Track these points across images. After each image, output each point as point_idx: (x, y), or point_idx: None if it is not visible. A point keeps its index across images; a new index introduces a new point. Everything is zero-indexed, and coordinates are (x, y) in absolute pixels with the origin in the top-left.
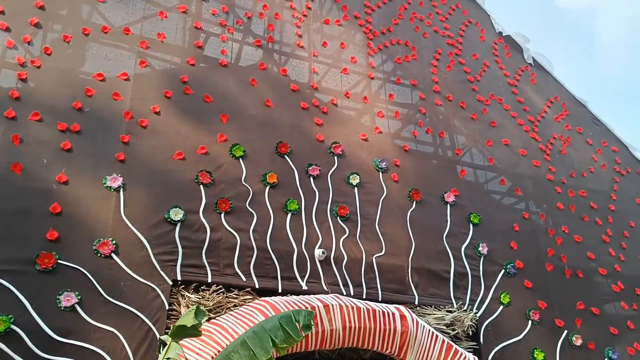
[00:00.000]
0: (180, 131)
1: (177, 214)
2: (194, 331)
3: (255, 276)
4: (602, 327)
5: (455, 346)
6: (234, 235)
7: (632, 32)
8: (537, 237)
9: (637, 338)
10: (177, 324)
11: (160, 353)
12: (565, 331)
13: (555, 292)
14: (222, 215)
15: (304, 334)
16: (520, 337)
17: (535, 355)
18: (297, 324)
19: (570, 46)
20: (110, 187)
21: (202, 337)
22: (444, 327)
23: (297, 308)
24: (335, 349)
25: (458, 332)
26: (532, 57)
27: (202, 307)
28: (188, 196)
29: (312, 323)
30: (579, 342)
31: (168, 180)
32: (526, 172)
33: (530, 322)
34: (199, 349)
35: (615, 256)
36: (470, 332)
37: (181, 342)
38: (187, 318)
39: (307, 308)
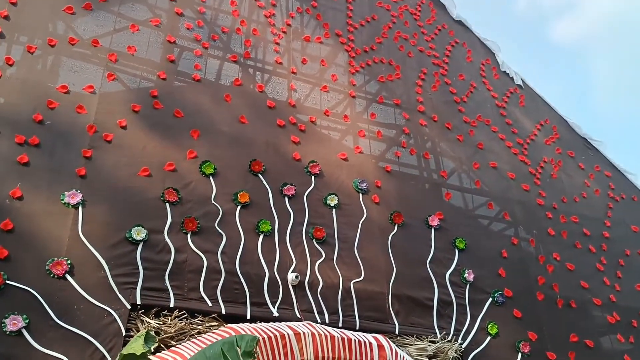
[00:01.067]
0: (147, 146)
1: (139, 233)
2: (144, 358)
3: (222, 301)
4: None
5: None
6: (200, 257)
7: (625, 67)
8: (527, 264)
9: None
10: (124, 351)
11: None
12: None
13: (547, 322)
14: (189, 235)
15: None
16: None
17: None
18: (238, 350)
19: (564, 83)
20: (68, 203)
21: None
22: (426, 359)
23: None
24: None
25: None
26: (522, 80)
27: (152, 332)
28: (152, 215)
29: (254, 350)
30: None
31: (131, 198)
32: (515, 197)
33: (520, 354)
34: None
35: (610, 286)
36: None
37: None
38: (135, 345)
39: (276, 336)
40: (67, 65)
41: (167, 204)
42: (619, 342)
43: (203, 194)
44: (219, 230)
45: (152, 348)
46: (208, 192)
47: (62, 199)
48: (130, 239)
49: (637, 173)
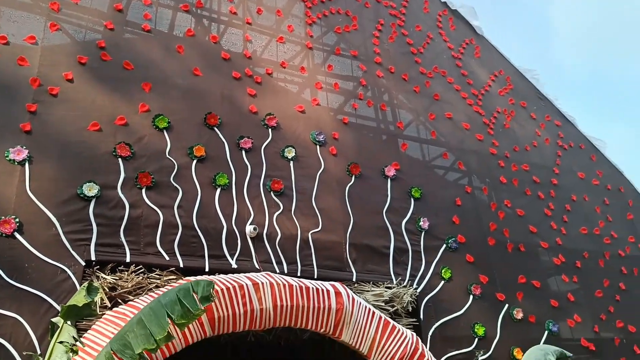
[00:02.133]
0: (96, 100)
1: (91, 189)
2: (88, 310)
3: (180, 255)
4: (543, 300)
5: (393, 323)
6: (156, 211)
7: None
8: (479, 211)
9: (577, 310)
10: (68, 303)
11: (51, 338)
12: (507, 305)
13: (497, 266)
14: (143, 190)
15: (202, 307)
16: (461, 312)
17: (476, 330)
18: (195, 296)
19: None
20: (13, 160)
21: (114, 320)
22: (383, 304)
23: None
24: (268, 329)
25: (397, 309)
26: (480, 29)
27: (96, 284)
28: (104, 170)
29: (212, 294)
30: (519, 316)
31: (81, 153)
32: (470, 147)
33: (471, 296)
34: (105, 328)
35: (557, 229)
36: (410, 309)
37: (95, 326)
38: (78, 296)
39: (234, 287)
40: (6, 15)
41: (120, 159)
42: (563, 282)
43: (157, 148)
44: (175, 185)
45: (96, 299)
46: (162, 146)
47: (7, 156)
48: (82, 195)
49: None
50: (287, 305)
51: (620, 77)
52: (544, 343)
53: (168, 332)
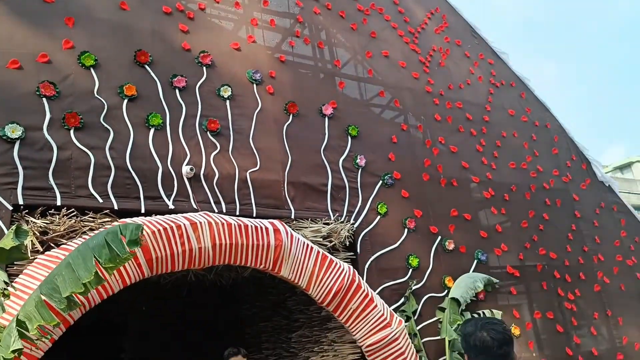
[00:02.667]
0: (14, 36)
1: (14, 131)
2: (18, 254)
3: (114, 197)
4: (474, 231)
5: (330, 257)
6: (86, 153)
7: None
8: (414, 148)
9: (504, 240)
10: None
11: None
12: (439, 237)
13: (431, 200)
14: (72, 131)
15: (130, 251)
16: (397, 245)
17: (410, 261)
18: (123, 239)
19: None
20: None
21: (46, 263)
22: (321, 240)
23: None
24: (208, 267)
25: (335, 244)
26: None
27: (25, 227)
28: (27, 110)
29: (139, 238)
30: (451, 247)
31: (1, 93)
32: (405, 84)
33: (406, 230)
34: (37, 272)
35: (487, 165)
36: (348, 243)
37: (26, 270)
38: (5, 240)
39: (172, 227)
40: None
41: (44, 99)
42: (492, 214)
43: (84, 88)
44: (106, 125)
45: (26, 242)
46: (90, 85)
47: None
48: (4, 137)
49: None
50: (225, 244)
51: (551, 19)
52: (473, 271)
53: (97, 274)
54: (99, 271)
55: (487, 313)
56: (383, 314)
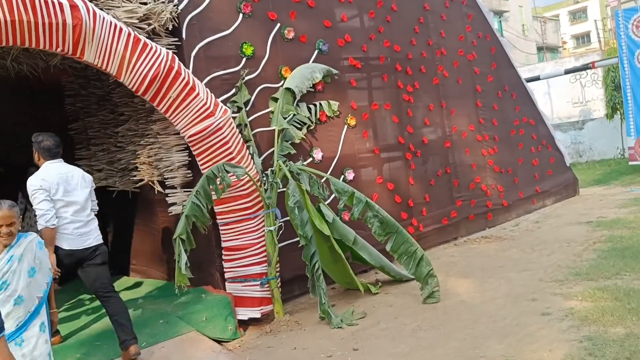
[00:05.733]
0: None
1: None
2: None
3: None
4: (317, 20)
5: (145, 40)
6: None
7: None
8: None
9: (348, 30)
10: None
11: None
12: (278, 24)
13: None
14: None
15: None
16: (229, 31)
17: (244, 50)
18: None
19: None
20: None
21: None
22: (137, 22)
23: None
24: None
25: (155, 27)
26: None
27: None
28: None
29: None
30: (291, 35)
31: None
32: None
33: (241, 15)
34: None
35: None
36: (171, 27)
37: None
38: None
39: None
40: None
41: None
42: (339, 2)
43: None
44: None
45: None
46: None
47: None
48: None
49: None
50: (6, 21)
51: None
52: (313, 62)
53: None
54: None
55: (324, 104)
56: (206, 103)
